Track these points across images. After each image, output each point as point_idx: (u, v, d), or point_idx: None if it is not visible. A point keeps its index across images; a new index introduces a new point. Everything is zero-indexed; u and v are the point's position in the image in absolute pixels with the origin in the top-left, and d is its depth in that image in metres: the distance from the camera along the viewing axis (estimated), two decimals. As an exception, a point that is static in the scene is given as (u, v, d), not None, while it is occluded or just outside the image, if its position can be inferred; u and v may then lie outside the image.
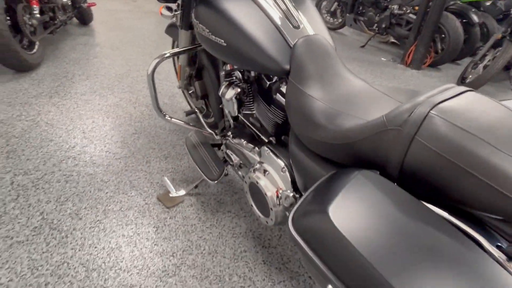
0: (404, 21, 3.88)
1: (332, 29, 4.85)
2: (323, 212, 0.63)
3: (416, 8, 3.75)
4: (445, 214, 0.68)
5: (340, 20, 4.77)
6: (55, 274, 1.10)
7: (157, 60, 1.40)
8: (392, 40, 4.43)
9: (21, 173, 1.48)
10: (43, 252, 1.16)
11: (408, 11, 3.84)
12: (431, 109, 0.69)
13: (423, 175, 0.68)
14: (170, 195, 1.48)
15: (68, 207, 1.35)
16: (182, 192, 1.50)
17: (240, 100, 1.28)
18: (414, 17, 3.74)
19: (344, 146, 0.83)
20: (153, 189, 1.50)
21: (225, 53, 1.13)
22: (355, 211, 0.62)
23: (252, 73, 1.24)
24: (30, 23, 2.31)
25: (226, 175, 1.41)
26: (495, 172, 0.58)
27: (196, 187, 1.54)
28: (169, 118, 1.54)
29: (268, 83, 1.21)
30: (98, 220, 1.31)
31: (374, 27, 4.13)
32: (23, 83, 2.19)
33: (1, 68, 2.30)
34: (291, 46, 1.05)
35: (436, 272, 0.53)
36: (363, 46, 4.20)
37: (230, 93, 1.23)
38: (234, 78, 1.27)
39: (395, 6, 3.92)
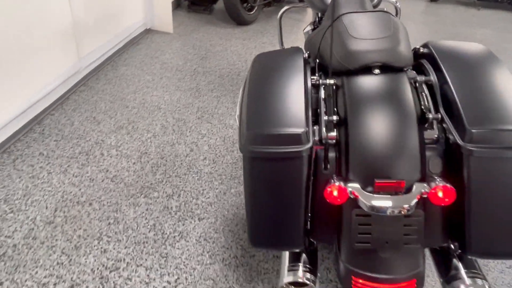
0: None
1: None
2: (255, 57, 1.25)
3: None
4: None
5: None
6: (185, 107, 2.09)
7: (285, 8, 2.13)
8: None
9: (201, 67, 2.58)
10: (187, 98, 2.18)
11: None
12: (341, 15, 1.16)
13: (320, 52, 1.19)
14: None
15: (210, 86, 2.34)
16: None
17: None
18: None
19: (312, 42, 1.36)
20: (258, 94, 2.30)
21: None
22: (268, 60, 1.19)
23: (320, 15, 1.80)
24: (253, -7, 3.47)
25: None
26: (341, 47, 1.05)
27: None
28: None
29: None
30: (219, 96, 2.23)
31: None
32: (235, 30, 3.40)
33: (229, 20, 3.59)
34: None
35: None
36: None
37: (307, 28, 1.85)
38: (314, 20, 1.88)
39: None
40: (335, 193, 0.85)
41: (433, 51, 1.09)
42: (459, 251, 0.94)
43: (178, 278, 1.18)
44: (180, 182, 1.56)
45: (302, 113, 0.94)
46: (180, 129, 1.89)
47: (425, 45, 1.14)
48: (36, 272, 1.16)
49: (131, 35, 2.81)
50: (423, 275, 0.91)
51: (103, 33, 2.38)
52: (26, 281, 1.13)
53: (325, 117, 0.99)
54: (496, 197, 0.85)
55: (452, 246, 0.97)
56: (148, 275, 1.18)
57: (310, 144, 0.90)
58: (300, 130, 0.89)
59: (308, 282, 0.94)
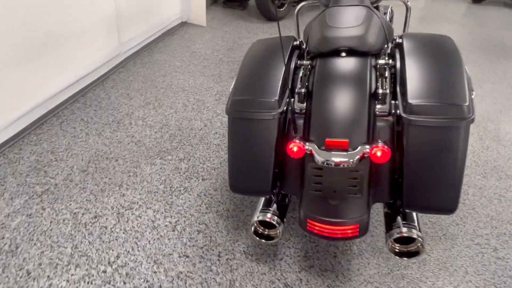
0: None
1: None
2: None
3: None
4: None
5: None
6: (206, 90, 2.37)
7: (302, 4, 2.34)
8: None
9: (226, 57, 2.86)
10: (209, 82, 2.46)
11: None
12: (326, 9, 1.38)
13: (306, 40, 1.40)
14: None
15: (231, 74, 2.60)
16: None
17: None
18: None
19: (305, 32, 1.58)
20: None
21: None
22: (262, 45, 1.43)
23: None
24: (283, -9, 3.70)
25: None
26: (318, 34, 1.27)
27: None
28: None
29: None
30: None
31: None
32: (264, 25, 3.65)
33: (260, 17, 3.84)
34: None
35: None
36: None
37: None
38: None
39: None
40: (295, 149, 1.07)
41: (403, 41, 1.27)
42: (402, 208, 1.12)
43: (178, 220, 1.46)
44: (191, 149, 1.84)
45: (278, 86, 1.17)
46: (198, 107, 2.18)
47: (400, 36, 1.32)
48: (70, 204, 1.49)
49: (168, 26, 3.15)
50: (367, 223, 1.11)
51: (142, 24, 2.73)
52: (62, 209, 1.46)
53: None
54: (428, 160, 1.04)
55: (397, 203, 1.16)
56: (154, 216, 1.47)
57: (280, 110, 1.13)
58: (272, 98, 1.12)
59: (274, 223, 1.17)
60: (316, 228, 1.12)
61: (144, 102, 2.20)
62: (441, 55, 1.19)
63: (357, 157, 1.03)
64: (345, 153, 1.05)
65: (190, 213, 1.49)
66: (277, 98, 1.13)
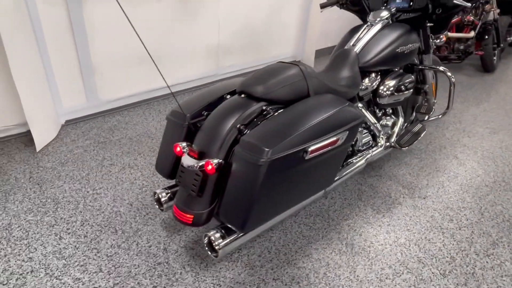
0: None
1: None
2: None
3: None
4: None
5: None
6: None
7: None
8: None
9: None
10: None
11: None
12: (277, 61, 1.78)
13: None
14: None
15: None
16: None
17: None
18: None
19: None
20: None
21: None
22: (226, 82, 1.93)
23: None
24: None
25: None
26: None
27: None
28: None
29: None
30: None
31: None
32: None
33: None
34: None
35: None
36: None
37: None
38: None
39: None
40: (178, 149, 1.57)
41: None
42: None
43: (148, 185, 2.13)
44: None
45: (199, 108, 1.67)
46: (236, 125, 2.76)
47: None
48: (106, 153, 2.40)
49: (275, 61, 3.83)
50: (201, 218, 1.49)
51: (243, 55, 3.52)
52: (100, 154, 2.38)
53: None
54: (236, 184, 1.35)
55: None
56: (139, 177, 2.20)
57: (187, 122, 1.63)
58: (187, 114, 1.64)
59: (161, 197, 1.67)
60: (175, 210, 1.57)
61: (206, 110, 2.95)
62: (313, 113, 1.43)
63: (198, 165, 1.44)
64: (193, 160, 1.47)
65: (159, 185, 2.13)
66: (189, 114, 1.64)
